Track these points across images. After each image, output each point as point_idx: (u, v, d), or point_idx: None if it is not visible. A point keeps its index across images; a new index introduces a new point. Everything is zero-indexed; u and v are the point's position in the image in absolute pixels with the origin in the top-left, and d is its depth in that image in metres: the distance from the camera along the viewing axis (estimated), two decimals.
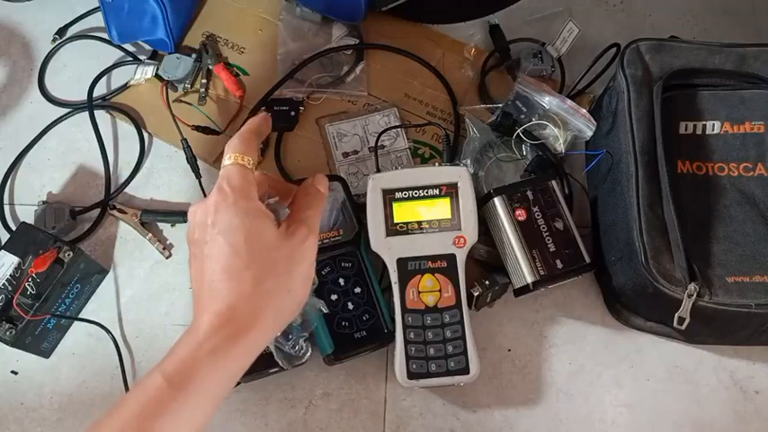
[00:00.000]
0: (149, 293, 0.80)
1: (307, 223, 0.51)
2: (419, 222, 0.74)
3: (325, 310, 0.65)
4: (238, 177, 0.49)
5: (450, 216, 0.74)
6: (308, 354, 0.66)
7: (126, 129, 0.88)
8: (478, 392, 0.75)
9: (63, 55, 0.93)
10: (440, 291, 0.72)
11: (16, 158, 0.87)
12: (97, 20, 0.94)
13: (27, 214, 0.83)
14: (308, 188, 0.53)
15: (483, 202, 0.76)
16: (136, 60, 0.92)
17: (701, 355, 0.78)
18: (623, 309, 0.77)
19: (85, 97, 0.88)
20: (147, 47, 0.93)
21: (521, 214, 0.75)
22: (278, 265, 0.49)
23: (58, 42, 0.93)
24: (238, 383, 0.73)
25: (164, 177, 0.86)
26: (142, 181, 0.86)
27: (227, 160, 0.50)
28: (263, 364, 0.70)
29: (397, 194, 0.74)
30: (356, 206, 0.77)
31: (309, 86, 0.89)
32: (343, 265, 0.74)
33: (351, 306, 0.73)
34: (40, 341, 0.75)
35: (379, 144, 0.83)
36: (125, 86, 0.90)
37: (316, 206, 0.53)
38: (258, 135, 0.52)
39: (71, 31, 0.95)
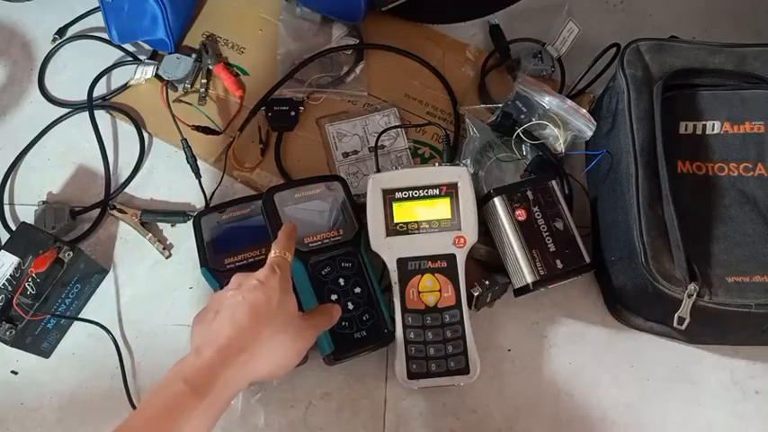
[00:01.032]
0: (149, 293, 0.80)
1: (317, 322, 0.66)
2: (419, 222, 0.74)
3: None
4: (284, 264, 0.64)
5: (450, 216, 0.74)
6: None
7: (126, 129, 0.88)
8: (478, 392, 0.75)
9: (63, 55, 0.93)
10: (440, 291, 0.72)
11: (16, 158, 0.87)
12: (97, 20, 0.94)
13: (27, 214, 0.83)
14: (329, 310, 0.69)
15: (483, 202, 0.76)
16: (136, 60, 0.92)
17: (701, 355, 0.78)
18: (623, 309, 0.77)
19: (85, 97, 0.88)
20: (147, 47, 0.93)
21: (521, 214, 0.75)
22: (288, 330, 0.61)
23: (58, 42, 0.93)
24: None
25: (164, 177, 0.86)
26: (142, 181, 0.86)
27: (275, 253, 0.64)
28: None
29: (397, 194, 0.74)
30: (356, 206, 0.77)
31: (309, 86, 0.89)
32: (343, 265, 0.74)
33: (351, 306, 0.72)
34: (40, 341, 0.75)
35: (379, 144, 0.83)
36: (125, 86, 0.90)
37: (327, 322, 0.68)
38: (293, 239, 0.67)
39: (71, 31, 0.95)
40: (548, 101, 0.83)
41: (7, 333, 0.71)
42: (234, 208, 0.78)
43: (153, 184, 0.86)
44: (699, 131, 0.75)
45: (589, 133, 0.82)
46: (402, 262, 0.73)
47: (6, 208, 0.84)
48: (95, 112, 0.88)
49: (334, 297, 0.72)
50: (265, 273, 0.62)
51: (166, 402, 0.54)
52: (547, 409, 0.75)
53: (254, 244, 0.75)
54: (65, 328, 0.78)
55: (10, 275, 0.72)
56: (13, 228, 0.83)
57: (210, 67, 0.90)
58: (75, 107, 0.89)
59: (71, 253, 0.74)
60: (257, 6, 0.96)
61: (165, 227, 0.84)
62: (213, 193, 0.84)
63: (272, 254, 0.65)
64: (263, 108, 0.88)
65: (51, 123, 0.88)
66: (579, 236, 0.76)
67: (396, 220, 0.74)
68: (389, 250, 0.73)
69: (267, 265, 0.63)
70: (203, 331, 0.60)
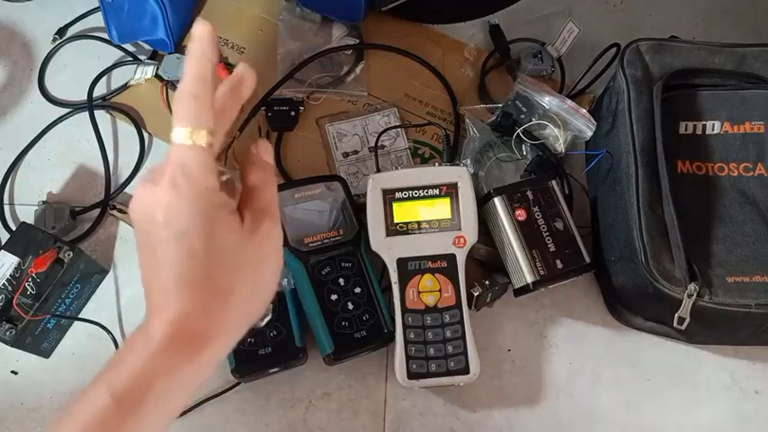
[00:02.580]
0: None
1: (269, 212, 0.44)
2: (419, 222, 0.74)
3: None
4: (195, 166, 0.40)
5: (450, 216, 0.74)
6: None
7: (126, 129, 0.88)
8: (478, 392, 0.75)
9: (63, 55, 0.93)
10: (440, 291, 0.72)
11: (16, 158, 0.86)
12: (97, 20, 0.94)
13: (27, 214, 0.83)
14: (256, 162, 0.45)
15: (483, 202, 0.76)
16: (136, 60, 0.92)
17: (700, 355, 0.78)
18: (623, 309, 0.77)
19: (85, 97, 0.88)
20: (147, 47, 0.93)
21: (521, 214, 0.75)
22: (243, 267, 0.42)
23: (58, 42, 0.93)
24: (238, 383, 0.73)
25: None
26: None
27: (178, 138, 0.40)
28: (263, 365, 0.71)
29: (397, 194, 0.74)
30: (356, 206, 0.77)
31: (309, 86, 0.89)
32: (343, 265, 0.74)
33: (351, 306, 0.72)
34: (40, 341, 0.75)
35: (379, 144, 0.83)
36: (125, 86, 0.90)
37: (271, 183, 0.44)
38: (210, 82, 0.41)
39: (71, 31, 0.95)
40: (548, 101, 0.83)
41: (7, 333, 0.71)
42: None
43: None
44: (699, 131, 0.75)
45: (589, 133, 0.82)
46: (402, 262, 0.73)
47: (6, 208, 0.84)
48: (95, 112, 0.88)
49: (334, 297, 0.72)
50: (164, 204, 0.40)
51: (86, 421, 0.40)
52: (547, 409, 0.75)
53: None
54: (65, 328, 0.78)
55: (10, 275, 0.72)
56: (13, 228, 0.82)
57: None
58: (75, 107, 0.89)
59: (71, 253, 0.74)
60: (257, 6, 0.95)
61: None
62: None
63: (172, 138, 0.40)
64: (263, 108, 0.88)
65: (51, 123, 0.88)
66: (579, 236, 0.76)
67: (396, 220, 0.74)
68: (389, 250, 0.73)
69: (167, 183, 0.39)
70: (152, 304, 0.42)
